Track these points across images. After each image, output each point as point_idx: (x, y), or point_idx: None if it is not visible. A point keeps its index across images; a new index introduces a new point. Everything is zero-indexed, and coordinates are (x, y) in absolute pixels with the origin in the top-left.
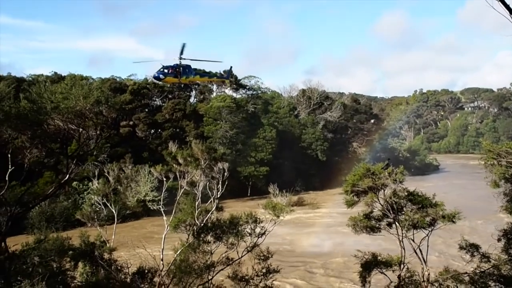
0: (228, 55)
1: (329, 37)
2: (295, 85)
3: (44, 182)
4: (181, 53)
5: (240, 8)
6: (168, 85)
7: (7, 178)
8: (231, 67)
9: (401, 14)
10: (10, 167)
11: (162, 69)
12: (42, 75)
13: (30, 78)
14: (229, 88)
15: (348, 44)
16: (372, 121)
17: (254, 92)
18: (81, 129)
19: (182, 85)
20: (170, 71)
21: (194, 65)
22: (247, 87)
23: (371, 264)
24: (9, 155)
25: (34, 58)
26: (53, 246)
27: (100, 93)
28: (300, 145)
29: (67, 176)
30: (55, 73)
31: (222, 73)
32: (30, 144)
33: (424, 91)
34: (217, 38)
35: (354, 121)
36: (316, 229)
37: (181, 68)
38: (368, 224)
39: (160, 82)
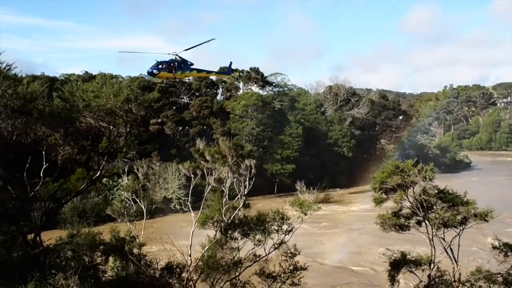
0: (253, 52)
1: (356, 32)
2: (322, 81)
3: (76, 179)
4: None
5: (265, 5)
6: (163, 81)
7: (41, 175)
8: (230, 62)
9: (431, 8)
10: (44, 163)
11: (156, 65)
12: (73, 74)
13: (63, 77)
14: (255, 86)
15: (375, 39)
16: (401, 117)
17: (281, 89)
18: (111, 127)
19: (178, 80)
20: (164, 66)
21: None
22: (274, 84)
23: (400, 263)
24: (43, 152)
25: (65, 58)
26: (85, 240)
27: (129, 91)
28: (327, 142)
29: (98, 172)
30: (86, 72)
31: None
32: (63, 142)
33: (455, 86)
34: (242, 35)
35: (382, 117)
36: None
37: (176, 63)
38: (397, 222)
39: (154, 78)
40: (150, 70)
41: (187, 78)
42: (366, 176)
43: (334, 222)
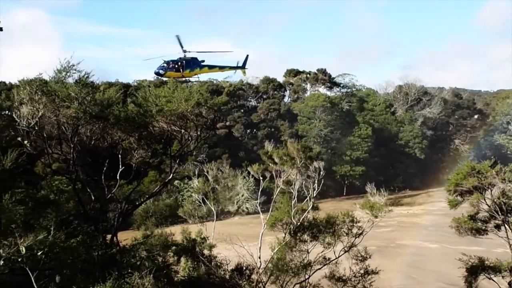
0: (319, 53)
1: (426, 29)
2: (391, 81)
3: (149, 181)
4: (181, 46)
5: (333, 5)
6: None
7: (118, 177)
8: (247, 55)
9: (509, 1)
10: (120, 167)
11: (162, 64)
12: (145, 80)
13: (135, 83)
14: (323, 87)
15: (447, 35)
16: (476, 116)
17: (349, 90)
18: (182, 130)
19: (187, 79)
20: (171, 65)
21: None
22: (341, 85)
23: (477, 269)
24: (119, 156)
25: (138, 64)
26: (158, 241)
27: (199, 95)
28: (397, 143)
29: (171, 175)
30: (157, 78)
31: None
32: (137, 145)
33: None
34: (309, 36)
35: (456, 117)
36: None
37: (184, 61)
38: (474, 226)
39: (162, 78)
40: (156, 71)
41: (196, 76)
42: (440, 178)
43: (406, 225)
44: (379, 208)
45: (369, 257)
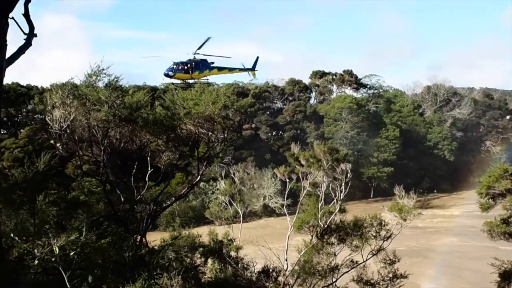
0: (345, 54)
1: (454, 28)
2: (419, 81)
3: (176, 183)
4: (200, 47)
5: (359, 5)
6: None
7: (146, 179)
8: (257, 57)
9: None
10: (149, 169)
11: (172, 66)
12: (172, 83)
13: (162, 87)
14: (349, 88)
15: (476, 35)
16: (508, 117)
17: (376, 91)
18: (209, 133)
19: (195, 80)
20: (180, 67)
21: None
22: (368, 86)
23: (511, 274)
24: (148, 158)
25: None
26: (185, 242)
27: (226, 98)
28: (426, 145)
29: (198, 177)
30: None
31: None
32: (165, 148)
33: None
34: (334, 37)
35: (487, 118)
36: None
37: (193, 63)
38: (507, 230)
39: (170, 79)
40: (165, 72)
41: (205, 77)
42: (470, 180)
43: (435, 229)
44: (408, 211)
45: (398, 261)
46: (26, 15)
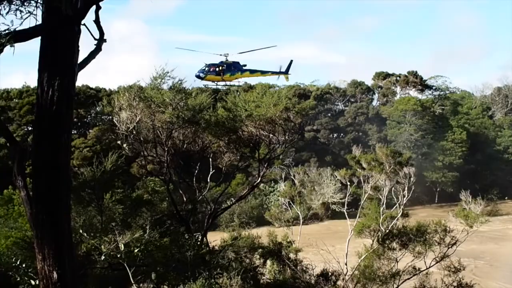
0: (410, 55)
1: None
2: (489, 83)
3: (236, 184)
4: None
5: (425, 4)
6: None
7: (209, 180)
8: (291, 61)
9: None
10: (211, 170)
11: (203, 68)
12: (234, 85)
13: (224, 88)
14: (414, 90)
15: None
16: None
17: (442, 93)
18: (271, 135)
19: (228, 83)
20: (212, 69)
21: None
22: (434, 88)
23: None
24: (210, 159)
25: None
26: (245, 243)
27: (288, 100)
28: (495, 149)
29: (259, 179)
30: (245, 82)
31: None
32: (226, 149)
33: None
34: (398, 38)
35: None
36: None
37: (225, 65)
38: None
39: (202, 81)
40: (197, 74)
41: (237, 80)
42: None
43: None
44: (475, 217)
45: (463, 269)
46: (97, 21)
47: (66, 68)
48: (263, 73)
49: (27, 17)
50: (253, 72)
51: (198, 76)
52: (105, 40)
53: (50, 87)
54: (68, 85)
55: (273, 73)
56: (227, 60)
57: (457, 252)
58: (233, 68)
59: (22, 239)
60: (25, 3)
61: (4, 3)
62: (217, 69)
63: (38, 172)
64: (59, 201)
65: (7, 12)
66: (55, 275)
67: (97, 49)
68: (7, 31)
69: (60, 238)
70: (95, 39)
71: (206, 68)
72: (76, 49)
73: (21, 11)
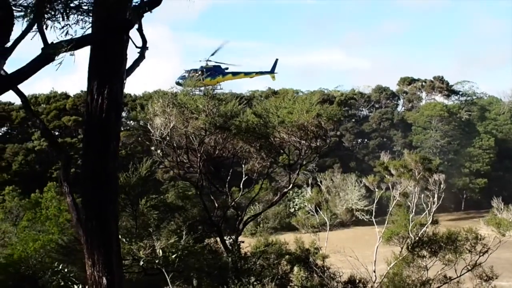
0: (436, 60)
1: None
2: None
3: (258, 189)
4: (212, 54)
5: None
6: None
7: (241, 186)
8: (276, 59)
9: None
10: (243, 176)
11: (183, 74)
12: (257, 90)
13: (248, 94)
14: (440, 95)
15: None
16: None
17: (468, 98)
18: (302, 141)
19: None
20: (192, 74)
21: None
22: (460, 93)
23: None
24: (243, 165)
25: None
26: (272, 249)
27: (320, 106)
28: None
29: (290, 185)
30: (269, 88)
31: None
32: (257, 155)
33: None
34: (424, 43)
35: None
36: None
37: (204, 70)
38: None
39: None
40: (177, 80)
41: (218, 83)
42: None
43: None
44: (508, 225)
45: (496, 277)
46: (140, 29)
47: (114, 76)
48: (247, 74)
49: (82, 28)
50: (235, 74)
51: (178, 83)
52: (147, 48)
53: (100, 95)
54: (117, 93)
55: (258, 73)
56: (207, 64)
57: (492, 261)
58: (213, 71)
59: (56, 243)
60: (89, 14)
61: (73, 13)
62: (197, 74)
63: (87, 179)
64: (107, 207)
65: (75, 23)
66: (104, 280)
67: (141, 57)
68: (68, 39)
69: (108, 244)
70: (136, 47)
71: (186, 74)
72: (124, 58)
73: (84, 21)
